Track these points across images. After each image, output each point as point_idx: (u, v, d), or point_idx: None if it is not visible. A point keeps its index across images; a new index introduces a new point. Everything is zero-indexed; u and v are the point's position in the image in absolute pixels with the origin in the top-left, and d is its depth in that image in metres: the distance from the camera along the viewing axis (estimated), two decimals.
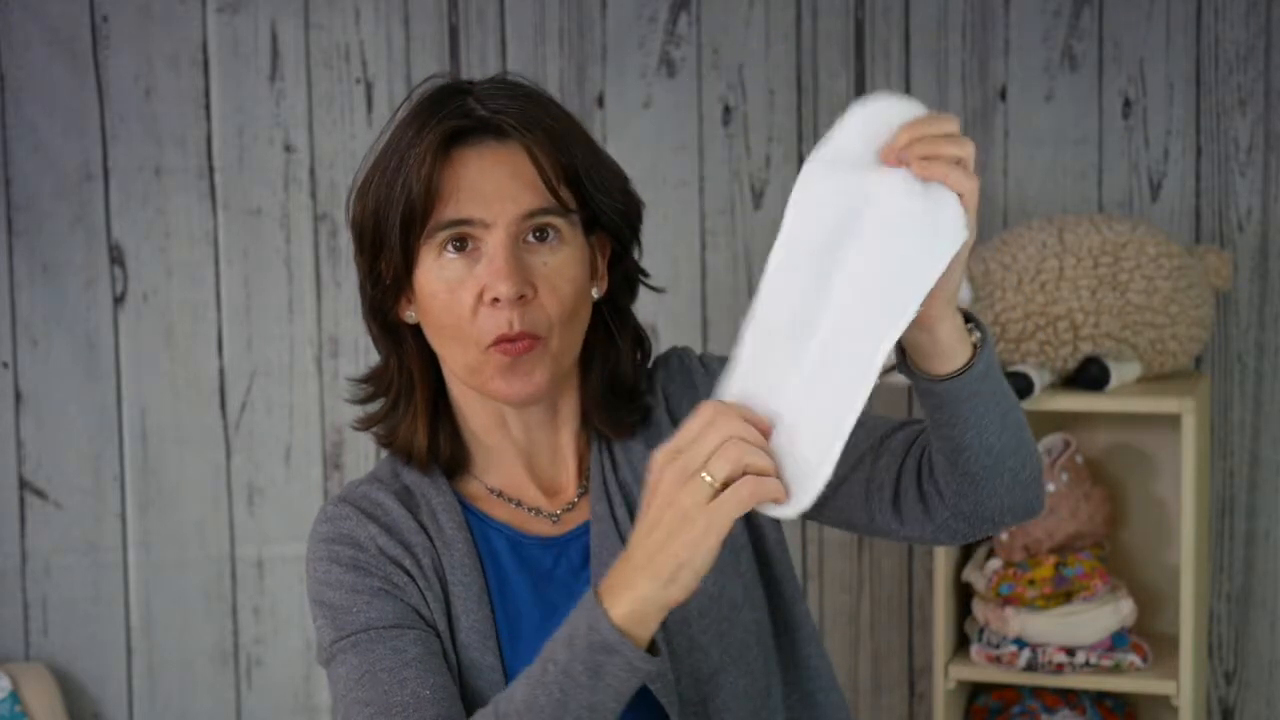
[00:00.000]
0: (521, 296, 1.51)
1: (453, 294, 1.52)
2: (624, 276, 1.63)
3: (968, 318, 1.41)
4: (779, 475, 1.33)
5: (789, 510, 1.34)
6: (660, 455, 1.34)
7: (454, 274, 1.52)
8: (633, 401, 1.63)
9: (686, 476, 1.32)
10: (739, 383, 1.37)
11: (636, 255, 1.65)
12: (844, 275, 1.33)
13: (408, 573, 1.55)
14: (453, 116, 1.52)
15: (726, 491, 1.32)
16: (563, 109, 1.59)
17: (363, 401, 1.65)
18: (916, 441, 1.54)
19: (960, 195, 1.32)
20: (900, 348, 1.41)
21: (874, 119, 1.35)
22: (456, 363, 1.56)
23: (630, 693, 1.37)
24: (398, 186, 1.52)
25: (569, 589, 1.58)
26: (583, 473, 1.64)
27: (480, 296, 1.51)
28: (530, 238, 1.53)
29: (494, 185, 1.52)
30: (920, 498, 1.52)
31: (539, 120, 1.54)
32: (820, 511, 1.61)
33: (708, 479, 1.31)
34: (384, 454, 1.67)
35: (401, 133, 1.55)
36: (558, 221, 1.54)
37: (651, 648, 1.38)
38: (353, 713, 1.49)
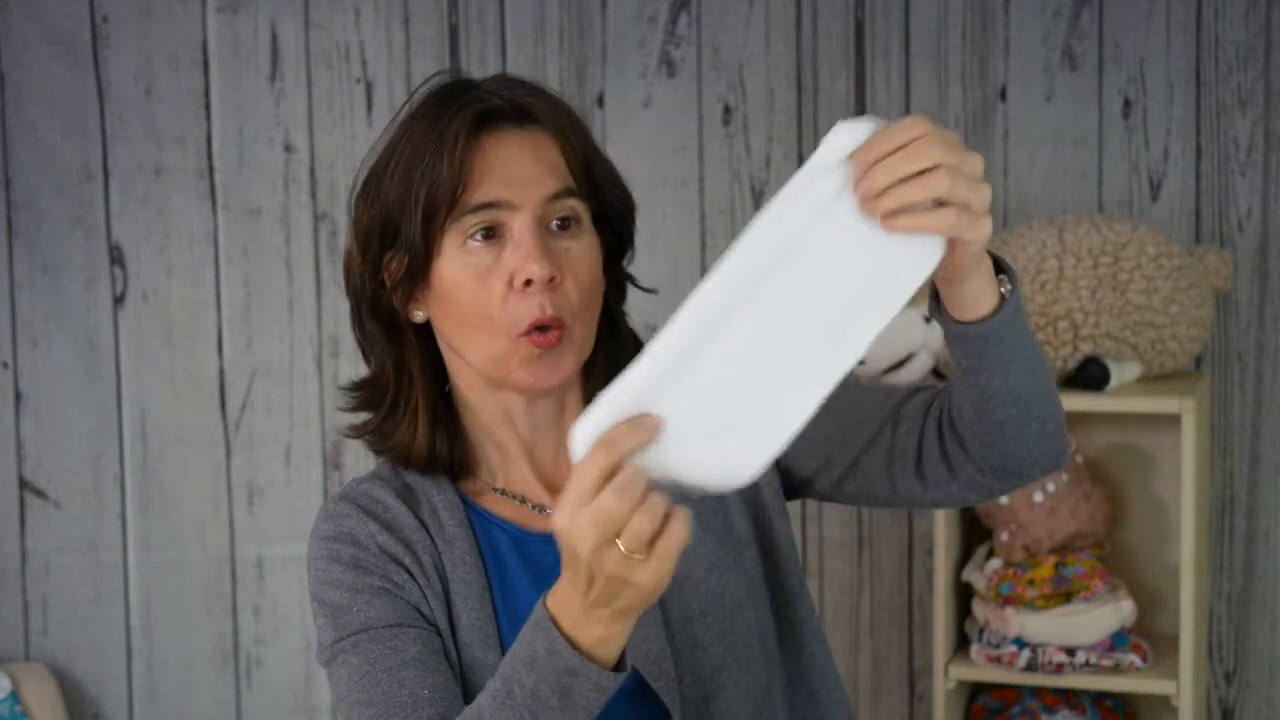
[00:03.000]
0: (552, 278, 1.50)
1: (481, 282, 1.51)
2: (616, 279, 1.64)
3: (999, 266, 1.40)
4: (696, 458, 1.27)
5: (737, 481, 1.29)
6: (561, 513, 1.26)
7: (481, 261, 1.51)
8: None
9: (606, 543, 1.25)
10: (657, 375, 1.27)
11: (629, 259, 1.65)
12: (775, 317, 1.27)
13: (408, 570, 1.55)
14: (476, 102, 1.53)
15: (661, 542, 1.25)
16: (566, 103, 1.60)
17: (356, 409, 1.64)
18: (935, 402, 1.54)
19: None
20: (934, 293, 1.40)
21: (842, 152, 1.27)
22: (480, 355, 1.55)
23: (602, 705, 1.36)
24: (416, 176, 1.51)
25: None
26: None
27: (510, 283, 1.51)
28: (553, 225, 1.53)
29: (520, 169, 1.52)
30: (943, 456, 1.53)
31: (559, 110, 1.56)
32: (840, 489, 1.61)
33: (637, 554, 1.25)
34: None
35: (412, 127, 1.54)
36: (578, 208, 1.54)
37: (619, 661, 1.35)
38: (353, 714, 1.49)
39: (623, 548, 1.25)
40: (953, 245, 1.32)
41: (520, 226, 1.51)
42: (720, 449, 1.27)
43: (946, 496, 1.55)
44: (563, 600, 1.33)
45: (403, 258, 1.54)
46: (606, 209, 1.59)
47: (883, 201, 1.27)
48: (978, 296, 1.39)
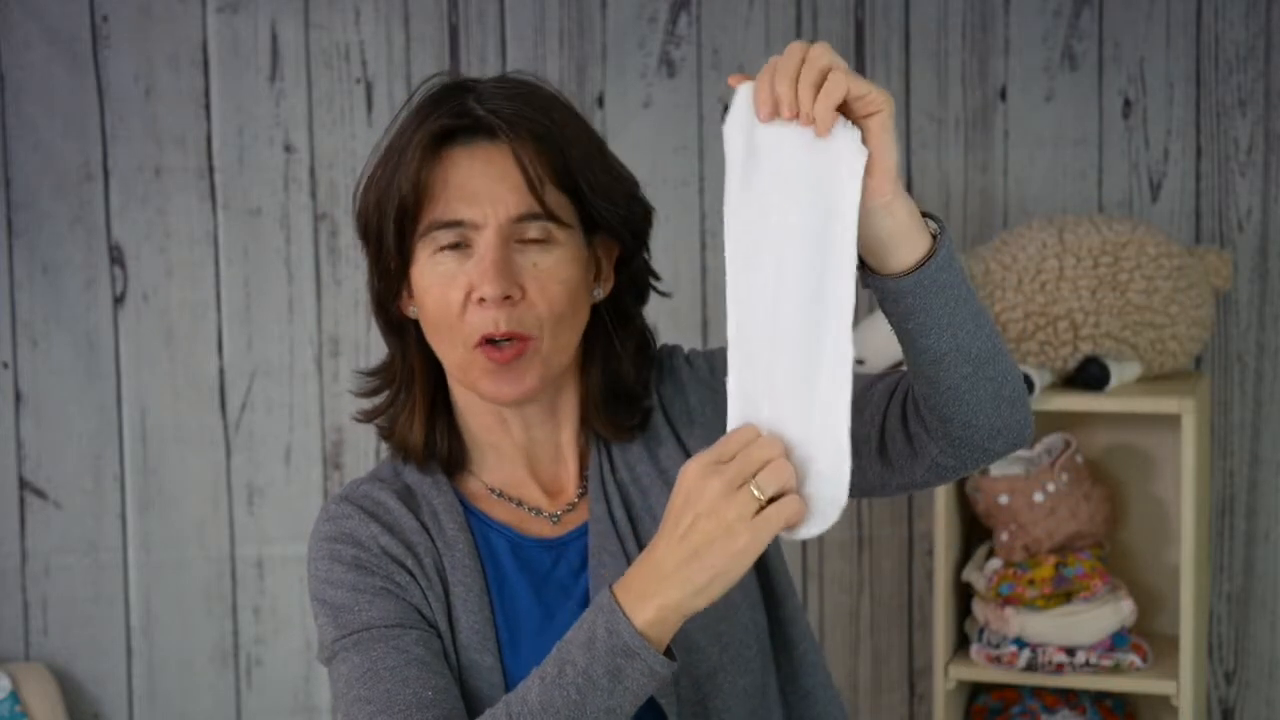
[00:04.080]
0: (508, 298, 1.51)
1: (444, 291, 1.53)
2: (630, 280, 1.63)
3: (925, 215, 1.41)
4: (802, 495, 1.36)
5: (815, 529, 1.36)
6: (696, 466, 1.35)
7: (446, 270, 1.53)
8: (632, 405, 1.63)
9: (734, 488, 1.33)
10: (741, 409, 1.38)
11: (645, 260, 1.65)
12: (778, 266, 1.36)
13: (409, 572, 1.55)
14: (446, 115, 1.53)
15: (772, 507, 1.33)
16: (568, 109, 1.58)
17: (368, 394, 1.66)
18: (898, 387, 1.54)
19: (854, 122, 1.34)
20: (860, 261, 1.40)
21: (745, 127, 1.37)
22: (447, 359, 1.57)
23: (647, 695, 1.38)
24: (393, 185, 1.53)
25: (567, 591, 1.58)
26: (584, 472, 1.64)
27: (469, 294, 1.52)
28: (524, 240, 1.53)
29: (483, 185, 1.52)
30: (907, 440, 1.52)
31: (532, 121, 1.54)
32: None
33: (756, 493, 1.33)
34: (385, 453, 1.67)
35: (401, 131, 1.56)
36: (548, 226, 1.53)
37: (668, 651, 1.39)
38: (354, 710, 1.49)
39: (755, 490, 1.32)
40: (872, 150, 1.35)
41: (482, 242, 1.52)
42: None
43: (911, 480, 1.54)
44: (635, 575, 1.37)
45: (389, 258, 1.56)
46: (599, 219, 1.57)
47: (818, 108, 1.32)
48: (908, 233, 1.37)
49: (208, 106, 2.97)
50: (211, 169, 2.98)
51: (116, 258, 2.98)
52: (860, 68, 2.92)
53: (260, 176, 2.98)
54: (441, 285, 1.53)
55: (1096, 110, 2.88)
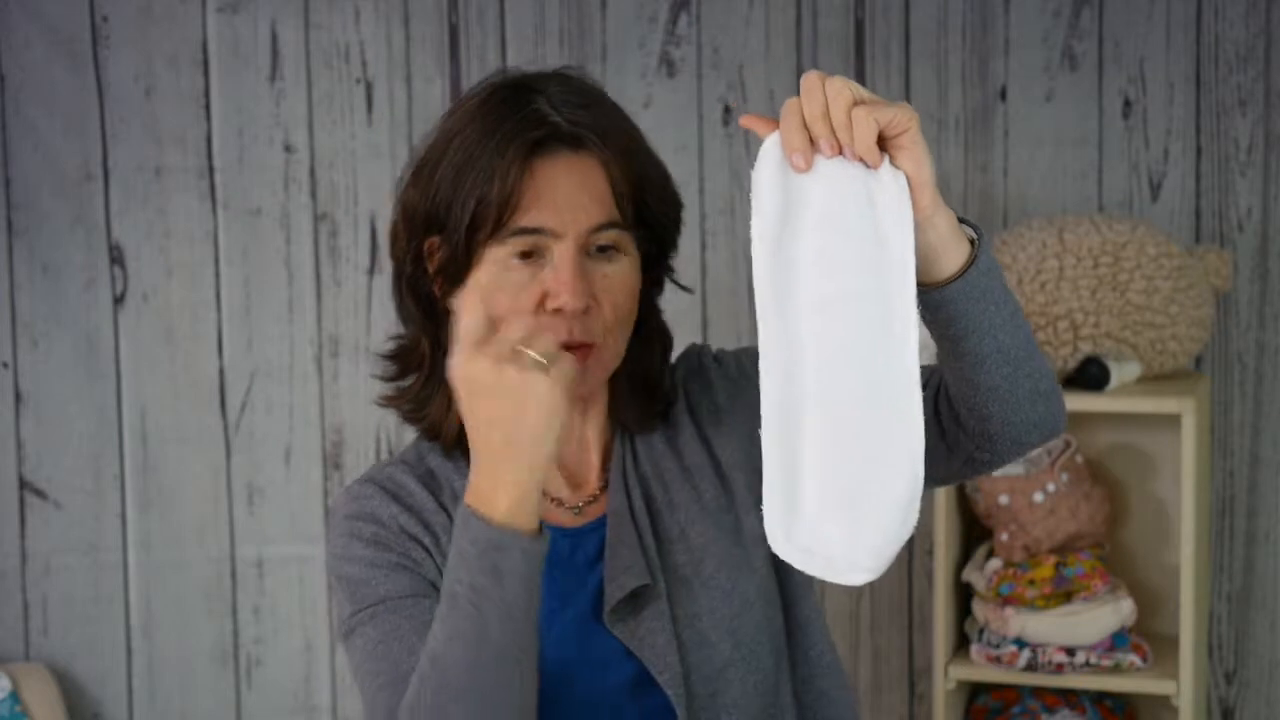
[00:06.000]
0: (586, 309, 1.52)
1: (514, 298, 1.53)
2: (656, 275, 1.65)
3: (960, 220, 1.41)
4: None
5: (866, 574, 1.35)
6: (458, 360, 1.39)
7: (518, 278, 1.53)
8: (657, 396, 1.65)
9: (505, 357, 1.36)
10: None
11: (672, 257, 1.66)
12: (826, 317, 1.34)
13: (426, 550, 1.57)
14: (531, 125, 1.53)
15: (557, 366, 1.37)
16: (623, 113, 1.60)
17: (392, 379, 1.65)
18: (928, 384, 1.54)
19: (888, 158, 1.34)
20: None
21: (777, 175, 1.36)
22: None
23: (536, 576, 1.41)
24: (466, 185, 1.52)
25: (582, 580, 1.59)
26: (607, 465, 1.65)
27: (542, 301, 1.52)
28: (594, 250, 1.54)
29: (566, 196, 1.53)
30: (941, 436, 1.53)
31: (613, 133, 1.56)
32: None
33: (533, 354, 1.36)
34: (384, 451, 1.67)
35: (468, 125, 1.54)
36: (620, 237, 1.55)
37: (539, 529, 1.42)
38: (365, 684, 1.52)
39: (532, 353, 1.36)
40: (908, 167, 1.34)
41: (561, 252, 1.52)
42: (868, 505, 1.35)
43: (946, 475, 1.55)
44: (473, 482, 1.40)
45: (444, 253, 1.55)
46: (654, 225, 1.60)
47: (861, 143, 1.32)
48: (950, 239, 1.38)
49: (208, 106, 2.97)
50: (211, 169, 2.98)
51: (116, 258, 2.98)
52: (860, 68, 2.92)
53: (260, 176, 2.98)
54: (512, 291, 1.53)
55: (1096, 110, 2.89)
